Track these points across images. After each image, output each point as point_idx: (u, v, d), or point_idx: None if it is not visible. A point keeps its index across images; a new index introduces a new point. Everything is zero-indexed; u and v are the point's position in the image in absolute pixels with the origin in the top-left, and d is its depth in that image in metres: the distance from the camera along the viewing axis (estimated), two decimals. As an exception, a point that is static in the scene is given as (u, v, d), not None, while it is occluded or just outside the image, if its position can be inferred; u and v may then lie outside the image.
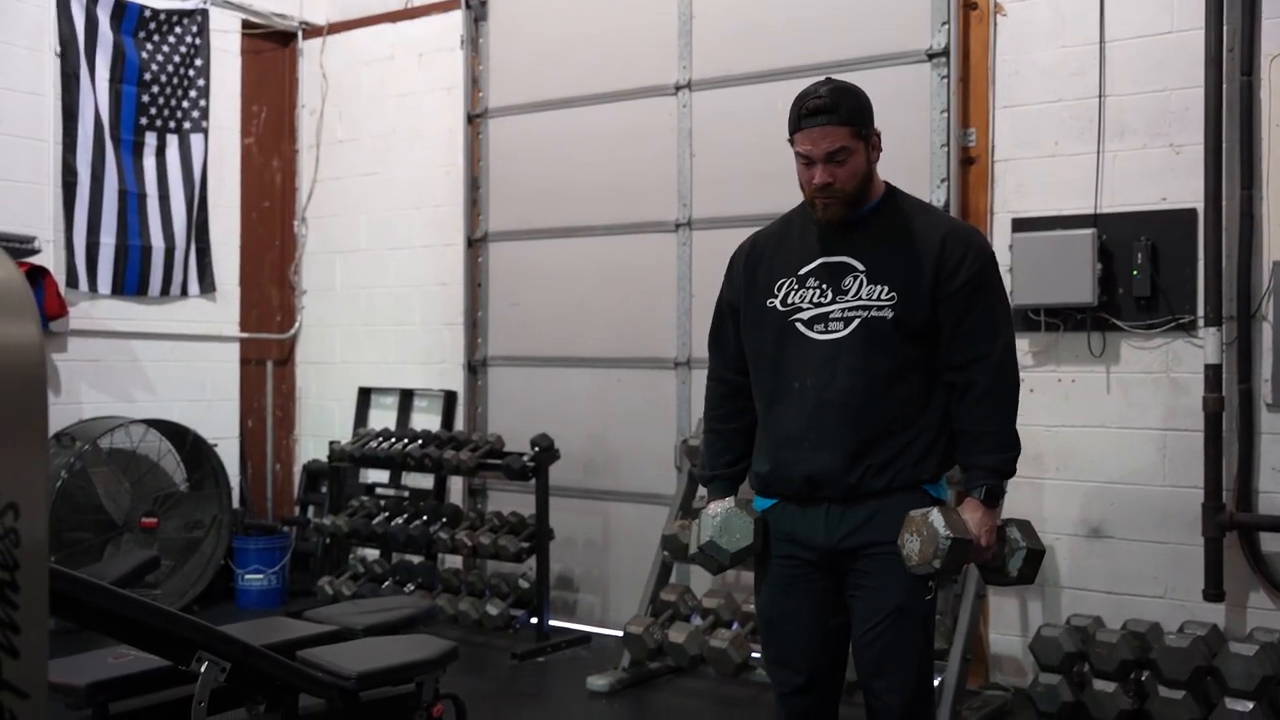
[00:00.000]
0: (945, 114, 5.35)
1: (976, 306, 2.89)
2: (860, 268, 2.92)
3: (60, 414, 6.42)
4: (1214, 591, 4.75)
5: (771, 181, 5.81)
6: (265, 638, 3.75)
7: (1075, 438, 5.17)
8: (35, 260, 6.19)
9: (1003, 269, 5.08)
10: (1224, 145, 4.78)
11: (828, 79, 2.97)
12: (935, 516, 2.80)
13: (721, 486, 3.14)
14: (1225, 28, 4.78)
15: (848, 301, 2.92)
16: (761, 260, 3.07)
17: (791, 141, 2.94)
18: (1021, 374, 5.11)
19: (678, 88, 6.16)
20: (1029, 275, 5.11)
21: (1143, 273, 4.95)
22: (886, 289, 2.89)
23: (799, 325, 2.97)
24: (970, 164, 5.38)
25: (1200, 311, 4.84)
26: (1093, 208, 5.07)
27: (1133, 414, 5.05)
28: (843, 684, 3.12)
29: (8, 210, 6.23)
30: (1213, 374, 4.76)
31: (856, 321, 2.91)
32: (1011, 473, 2.96)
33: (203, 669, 3.33)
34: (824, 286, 2.94)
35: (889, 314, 2.88)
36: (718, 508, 3.05)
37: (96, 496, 6.25)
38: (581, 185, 6.51)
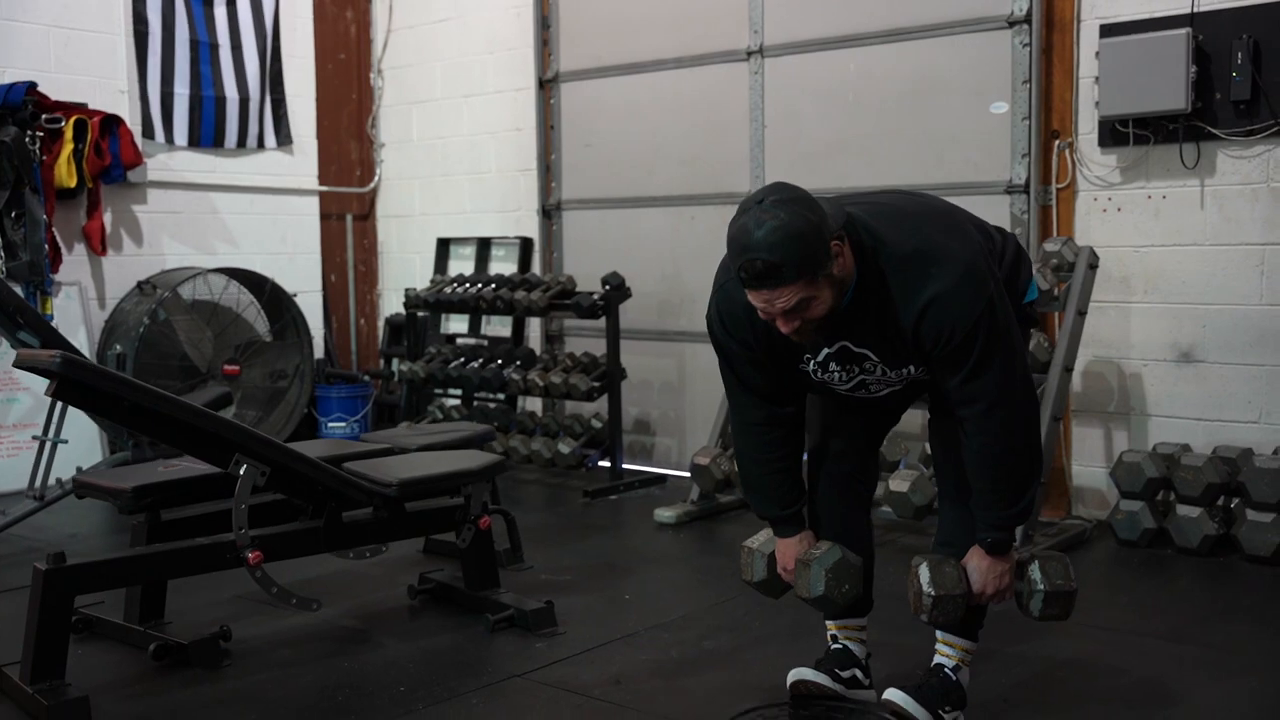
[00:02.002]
0: (1028, -86, 4.99)
1: (964, 368, 2.57)
2: (874, 357, 2.68)
3: (143, 265, 6.54)
4: (1311, 412, 4.47)
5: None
6: (315, 452, 3.77)
7: (1165, 257, 4.87)
8: (110, 109, 6.24)
9: (1088, 79, 4.90)
10: (1336, -73, 4.36)
11: (761, 207, 2.44)
12: (923, 571, 2.71)
13: (797, 523, 2.93)
14: None
15: (878, 376, 2.72)
16: (772, 333, 2.63)
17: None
18: (1108, 193, 4.96)
19: (747, -93, 5.87)
20: (1117, 84, 4.78)
21: (1243, 74, 4.58)
22: (914, 368, 2.69)
23: (839, 391, 2.80)
24: (1055, -32, 5.02)
25: (1305, 114, 4.48)
26: (1189, 6, 4.69)
27: (1228, 229, 4.73)
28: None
29: (81, 60, 6.28)
30: (1316, 179, 4.41)
31: (901, 385, 2.77)
32: (1019, 524, 2.73)
33: (242, 471, 3.35)
34: (849, 367, 2.71)
35: (925, 376, 2.72)
36: (826, 556, 2.82)
37: (179, 344, 6.36)
38: (650, 15, 6.30)
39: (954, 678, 2.88)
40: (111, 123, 6.21)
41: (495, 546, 4.03)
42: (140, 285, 6.37)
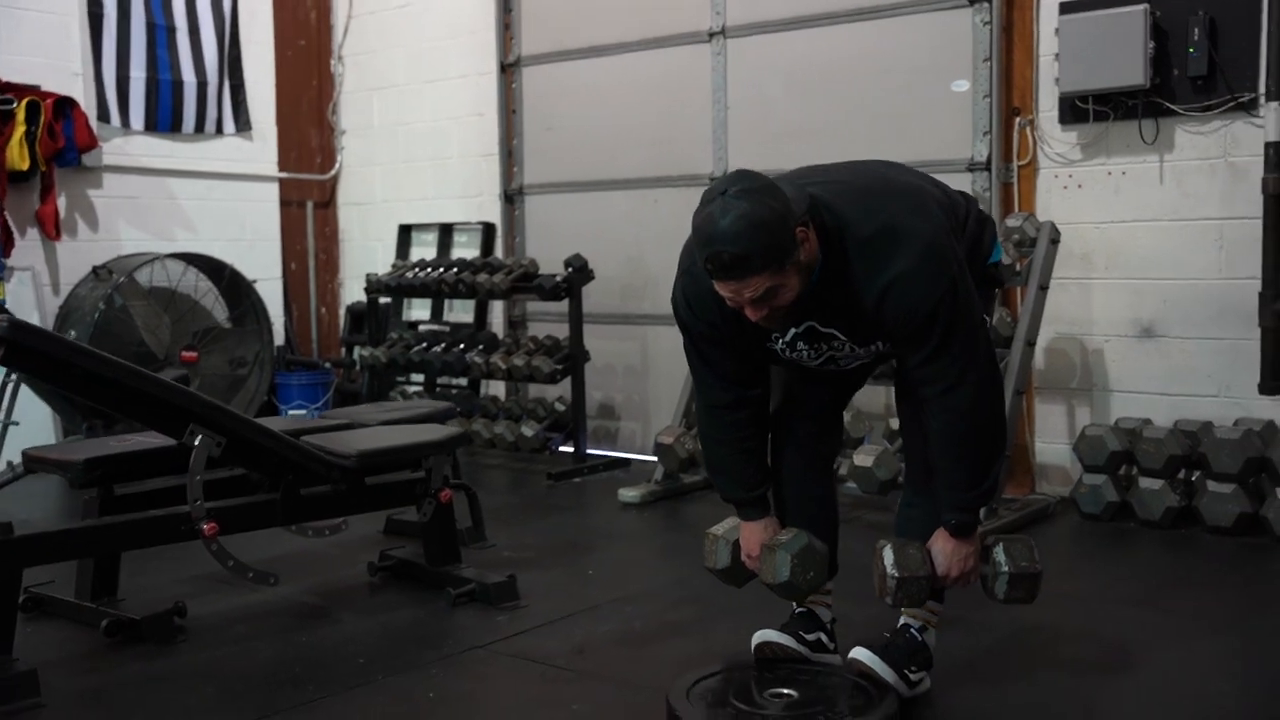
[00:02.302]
0: (988, -109, 5.00)
1: (926, 347, 2.55)
2: (841, 336, 2.67)
3: (99, 250, 6.44)
4: (1270, 384, 4.49)
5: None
6: (274, 427, 3.70)
7: (1125, 233, 4.89)
8: (64, 92, 6.14)
9: (1048, 56, 4.91)
10: (1291, -98, 4.38)
11: (725, 197, 2.41)
12: (887, 554, 2.69)
13: (762, 506, 2.90)
14: None
15: (846, 353, 2.72)
16: (739, 316, 2.58)
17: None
18: (1069, 169, 4.97)
19: (709, -113, 5.86)
20: (1076, 60, 4.79)
21: (1199, 50, 4.60)
22: (880, 343, 2.69)
23: (808, 367, 2.77)
24: (1015, -54, 5.03)
25: (1262, 88, 4.50)
26: (1147, -17, 4.71)
27: (1187, 204, 4.75)
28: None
29: (33, 41, 6.17)
30: (1274, 152, 4.43)
31: (870, 358, 2.79)
32: (983, 505, 2.74)
33: (196, 441, 3.29)
34: (818, 345, 2.69)
35: (890, 348, 2.71)
36: (792, 542, 2.79)
37: (136, 330, 6.25)
38: (613, -1, 6.28)
39: (920, 638, 2.86)
40: (65, 105, 6.12)
41: (457, 525, 3.99)
42: (96, 270, 6.27)
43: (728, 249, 2.38)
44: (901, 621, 2.89)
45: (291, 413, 6.88)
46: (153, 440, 3.58)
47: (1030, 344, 4.68)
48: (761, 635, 2.93)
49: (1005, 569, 2.74)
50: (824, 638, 2.98)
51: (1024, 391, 4.76)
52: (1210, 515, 4.39)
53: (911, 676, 2.81)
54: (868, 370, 2.94)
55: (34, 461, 3.58)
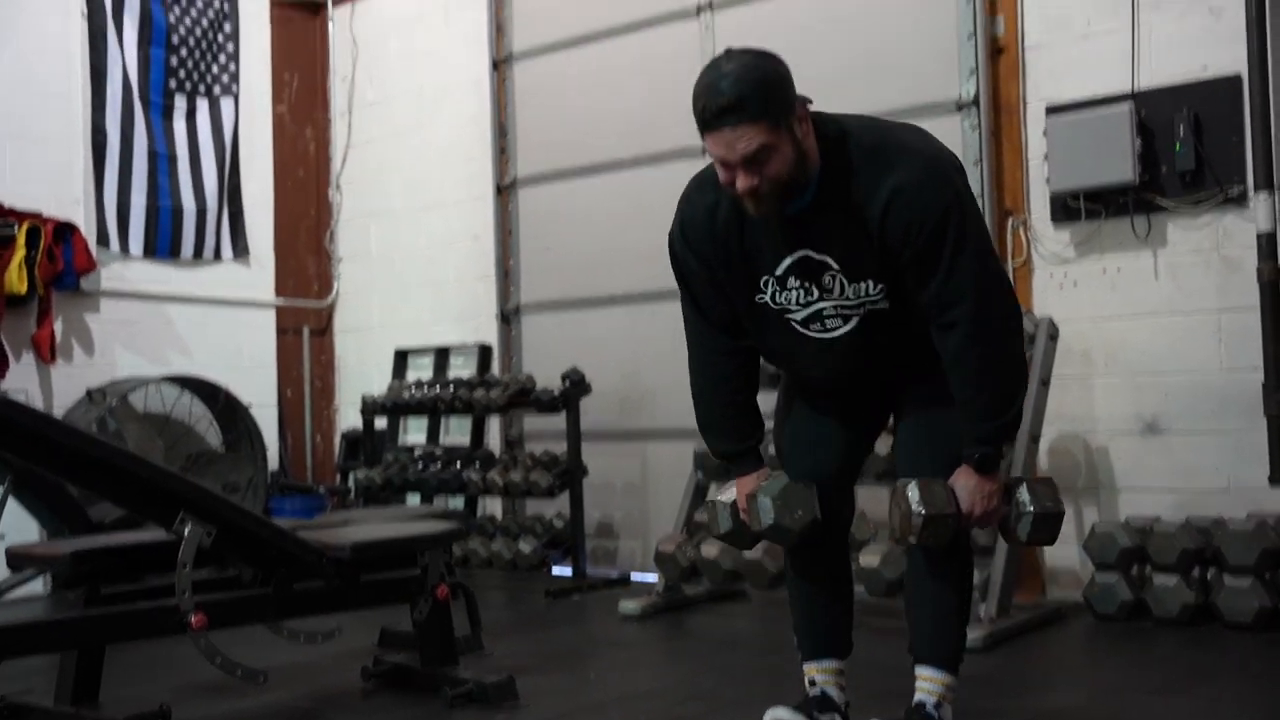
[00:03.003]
0: (972, 3, 5.14)
1: (938, 270, 2.52)
2: (835, 265, 2.60)
3: (94, 373, 6.40)
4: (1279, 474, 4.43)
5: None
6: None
7: (1124, 329, 4.89)
8: (65, 217, 6.21)
9: (1037, 157, 4.99)
10: (1266, 3, 4.50)
11: (729, 54, 2.48)
12: (912, 490, 2.64)
13: (755, 459, 2.85)
14: (1260, -120, 4.52)
15: (836, 300, 2.63)
16: (731, 250, 2.65)
17: (702, 138, 2.50)
18: (1064, 268, 5.00)
19: (699, 10, 6.03)
20: (1065, 159, 4.87)
21: (1186, 146, 4.68)
22: (872, 283, 2.60)
23: (795, 324, 2.71)
24: (1000, 53, 5.16)
25: (1250, 181, 4.55)
26: (1129, 86, 4.81)
27: (1183, 298, 4.76)
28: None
29: (38, 168, 6.26)
30: (1266, 242, 4.46)
31: (855, 319, 2.65)
32: (1007, 438, 2.68)
33: (186, 530, 3.21)
34: (807, 284, 2.63)
35: (885, 305, 2.63)
36: (771, 484, 2.76)
37: (130, 452, 6.18)
38: (606, 120, 6.40)
39: (936, 715, 2.74)
40: (66, 230, 6.17)
41: (454, 633, 3.86)
42: (90, 394, 6.22)
43: (726, 91, 2.41)
44: (916, 698, 2.77)
45: (284, 537, 6.75)
46: (143, 536, 3.49)
47: (1035, 439, 4.63)
48: (774, 714, 2.81)
49: (1030, 508, 2.67)
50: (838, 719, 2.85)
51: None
52: (1229, 610, 4.27)
53: (930, 753, 2.68)
54: (868, 385, 2.83)
55: (18, 558, 3.48)
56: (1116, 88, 4.84)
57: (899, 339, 2.69)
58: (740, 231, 2.63)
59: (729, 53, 2.49)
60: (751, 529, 2.82)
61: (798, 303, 2.66)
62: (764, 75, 2.44)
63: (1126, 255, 4.87)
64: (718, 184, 2.59)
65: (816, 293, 2.63)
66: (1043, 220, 5.05)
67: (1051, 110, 4.96)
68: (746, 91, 2.40)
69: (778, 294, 2.66)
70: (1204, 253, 4.71)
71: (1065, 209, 4.95)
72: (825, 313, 2.65)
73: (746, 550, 2.97)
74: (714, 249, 2.66)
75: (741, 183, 2.47)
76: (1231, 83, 4.62)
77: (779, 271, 2.64)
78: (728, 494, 2.90)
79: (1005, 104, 5.16)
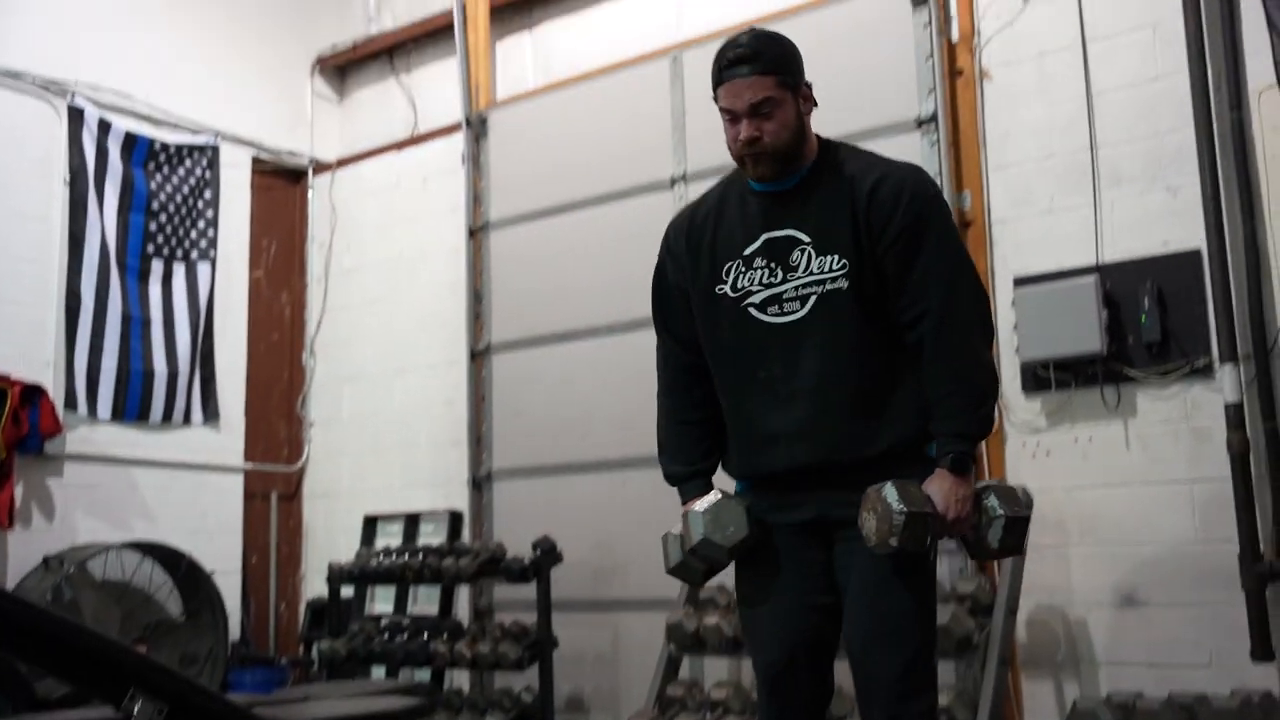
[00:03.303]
0: (938, 179, 5.27)
1: (918, 257, 2.65)
2: (805, 239, 2.71)
3: (53, 539, 6.26)
4: (1261, 649, 4.35)
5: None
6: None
7: (1097, 500, 4.87)
8: (34, 380, 6.16)
9: (1006, 327, 5.05)
10: (1221, 182, 4.64)
11: (751, 29, 2.81)
12: (889, 491, 2.62)
13: (702, 483, 2.89)
14: (1209, 66, 4.71)
15: (799, 278, 2.71)
16: (704, 240, 2.85)
17: (716, 98, 2.77)
18: (1036, 437, 5.01)
19: (673, 181, 6.16)
20: (1035, 330, 4.93)
21: (1151, 318, 4.75)
22: (837, 258, 2.69)
23: (752, 311, 2.75)
24: (967, 227, 5.25)
25: (1215, 353, 4.61)
26: (1094, 259, 4.91)
27: (1155, 469, 4.76)
28: (831, 668, 2.82)
29: (8, 331, 6.24)
30: (1234, 413, 4.49)
31: (813, 299, 2.70)
32: (981, 434, 2.72)
33: (136, 708, 3.07)
34: (772, 265, 2.73)
35: (844, 284, 2.68)
36: (705, 503, 2.81)
37: (83, 622, 6.01)
38: (581, 287, 6.45)
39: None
40: (33, 393, 6.11)
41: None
42: (47, 560, 6.08)
43: (744, 44, 2.69)
44: None
45: (242, 711, 6.51)
46: (90, 715, 3.35)
47: (1012, 612, 4.54)
48: None
49: (1000, 512, 2.68)
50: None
51: (1009, 661, 4.57)
52: (1216, 791, 4.14)
53: None
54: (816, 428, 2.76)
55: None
56: (1082, 261, 4.94)
57: (855, 345, 2.70)
58: (717, 221, 2.84)
59: (746, 30, 2.79)
60: (684, 548, 2.83)
61: (760, 282, 2.75)
62: (781, 41, 2.74)
63: (1098, 425, 4.88)
64: (707, 199, 2.91)
65: (780, 274, 2.72)
66: (1014, 390, 5.08)
67: (1019, 281, 5.05)
68: (762, 48, 2.69)
69: (741, 277, 2.77)
70: (1173, 423, 4.73)
71: (1035, 378, 4.99)
72: (785, 295, 2.72)
73: (698, 585, 2.95)
74: (687, 244, 2.85)
75: (745, 131, 2.68)
76: (1192, 257, 4.73)
77: (747, 252, 2.77)
78: (680, 529, 2.89)
79: (973, 275, 5.24)
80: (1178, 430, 4.72)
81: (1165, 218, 4.81)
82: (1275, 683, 4.40)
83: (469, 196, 6.94)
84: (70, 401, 6.46)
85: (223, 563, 6.91)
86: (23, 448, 6.08)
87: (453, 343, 6.97)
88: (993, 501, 2.71)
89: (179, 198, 7.05)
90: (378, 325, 7.43)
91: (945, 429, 2.66)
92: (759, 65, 2.67)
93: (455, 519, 6.83)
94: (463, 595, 6.68)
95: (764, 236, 2.75)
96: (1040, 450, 5.00)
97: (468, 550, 6.03)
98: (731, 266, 2.77)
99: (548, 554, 5.77)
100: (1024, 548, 2.81)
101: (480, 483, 6.73)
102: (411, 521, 7.05)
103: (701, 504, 2.81)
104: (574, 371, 6.44)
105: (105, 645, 3.02)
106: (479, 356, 6.82)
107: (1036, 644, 4.92)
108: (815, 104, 2.79)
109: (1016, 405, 5.07)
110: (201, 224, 7.15)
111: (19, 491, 6.18)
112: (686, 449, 2.90)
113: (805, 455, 2.73)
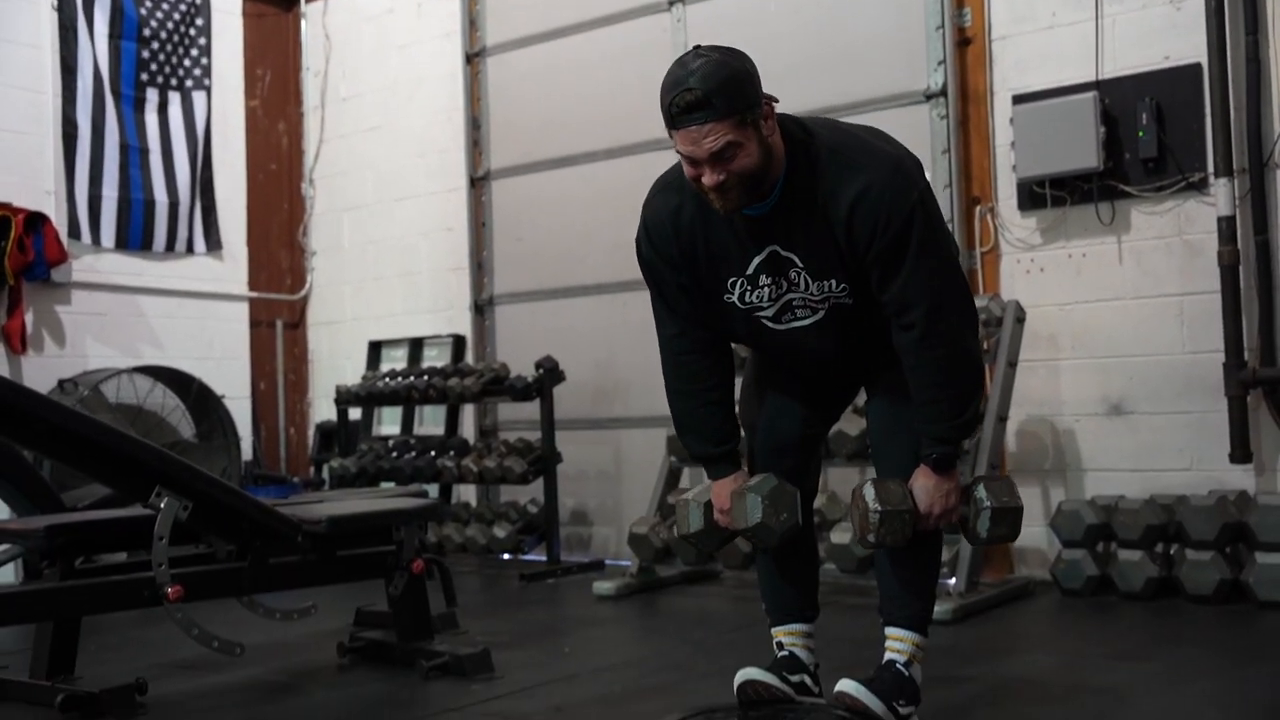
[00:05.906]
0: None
1: (899, 273, 2.57)
2: (799, 263, 2.65)
3: (66, 365, 6.38)
4: (1240, 452, 4.52)
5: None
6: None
7: (1089, 314, 4.97)
8: (36, 208, 6.19)
9: (1004, 146, 5.07)
10: (1225, -7, 4.61)
11: (697, 51, 2.51)
12: (868, 489, 2.69)
13: (733, 462, 2.87)
14: (1219, -128, 4.62)
15: (803, 293, 2.68)
16: (696, 250, 2.69)
17: (670, 135, 2.54)
18: (1030, 254, 5.08)
19: (671, 3, 6.09)
20: (1032, 147, 4.95)
21: (1148, 133, 4.77)
22: (835, 282, 2.65)
23: (766, 322, 2.75)
24: (967, 44, 5.24)
25: (1210, 167, 4.65)
26: (1094, 75, 4.90)
27: (1147, 283, 4.85)
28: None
29: (6, 160, 6.24)
30: (1226, 226, 4.56)
31: (823, 311, 2.70)
32: (964, 438, 2.73)
33: (162, 504, 3.22)
34: (777, 279, 2.68)
35: (850, 300, 2.68)
36: (762, 483, 2.76)
37: (102, 443, 6.17)
38: (579, 112, 6.44)
39: (906, 673, 2.79)
40: (37, 220, 6.15)
41: (430, 612, 3.88)
42: (62, 384, 6.21)
43: (694, 88, 2.43)
44: (886, 656, 2.82)
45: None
46: (119, 512, 3.51)
47: (1002, 420, 4.70)
48: (744, 674, 2.84)
49: (988, 504, 2.72)
50: (808, 680, 2.90)
51: (997, 469, 4.75)
52: (1191, 584, 4.36)
53: (900, 710, 2.72)
54: (836, 366, 2.85)
55: (-7, 533, 3.48)
56: (1081, 77, 4.94)
57: (866, 332, 2.74)
58: (705, 233, 2.67)
59: (697, 50, 2.52)
60: (734, 527, 2.82)
61: (769, 298, 2.70)
62: (731, 73, 2.47)
63: (1092, 241, 4.96)
64: (681, 186, 2.65)
65: (785, 286, 2.68)
66: (1010, 207, 5.13)
67: (1018, 99, 5.05)
68: (713, 89, 2.44)
69: (748, 293, 2.70)
70: (1167, 238, 4.80)
71: (1032, 196, 5.04)
72: (795, 303, 2.70)
73: (709, 552, 2.96)
74: (678, 251, 2.69)
75: (708, 178, 2.50)
76: (1192, 71, 4.72)
77: (749, 271, 2.67)
78: (699, 493, 2.92)
79: (973, 94, 5.24)
80: (1170, 245, 4.80)
81: (1166, 31, 4.79)
82: (1252, 483, 4.58)
83: (465, 21, 6.86)
84: (74, 230, 6.50)
85: (232, 389, 7.05)
86: (30, 275, 6.15)
87: (451, 170, 6.98)
88: (981, 493, 2.75)
89: (170, 24, 6.95)
90: (376, 154, 7.41)
91: (928, 432, 2.69)
92: (714, 110, 2.44)
93: (459, 343, 6.95)
94: (468, 416, 6.85)
95: (759, 255, 2.67)
96: (1035, 266, 5.08)
97: (472, 371, 6.17)
98: (735, 281, 2.70)
99: (550, 373, 5.91)
100: (1016, 535, 2.82)
101: (482, 307, 6.83)
102: (416, 345, 7.17)
103: (759, 485, 2.76)
104: (573, 196, 6.48)
105: (132, 444, 3.16)
106: (478, 183, 6.84)
107: (1025, 453, 5.09)
108: (776, 100, 2.59)
109: (1012, 223, 5.14)
110: (195, 52, 7.07)
111: (29, 318, 6.28)
112: (712, 428, 2.86)
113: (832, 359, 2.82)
